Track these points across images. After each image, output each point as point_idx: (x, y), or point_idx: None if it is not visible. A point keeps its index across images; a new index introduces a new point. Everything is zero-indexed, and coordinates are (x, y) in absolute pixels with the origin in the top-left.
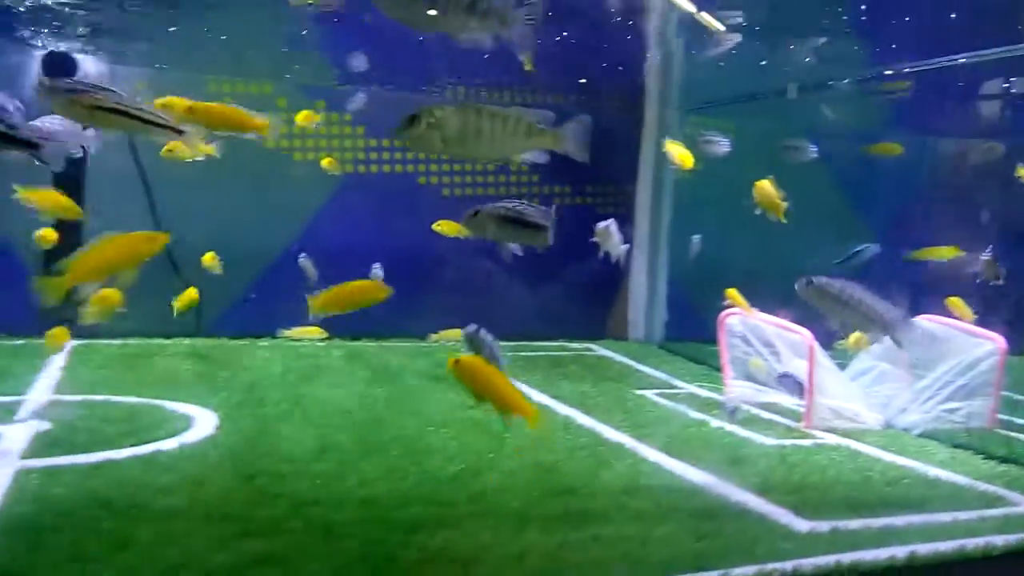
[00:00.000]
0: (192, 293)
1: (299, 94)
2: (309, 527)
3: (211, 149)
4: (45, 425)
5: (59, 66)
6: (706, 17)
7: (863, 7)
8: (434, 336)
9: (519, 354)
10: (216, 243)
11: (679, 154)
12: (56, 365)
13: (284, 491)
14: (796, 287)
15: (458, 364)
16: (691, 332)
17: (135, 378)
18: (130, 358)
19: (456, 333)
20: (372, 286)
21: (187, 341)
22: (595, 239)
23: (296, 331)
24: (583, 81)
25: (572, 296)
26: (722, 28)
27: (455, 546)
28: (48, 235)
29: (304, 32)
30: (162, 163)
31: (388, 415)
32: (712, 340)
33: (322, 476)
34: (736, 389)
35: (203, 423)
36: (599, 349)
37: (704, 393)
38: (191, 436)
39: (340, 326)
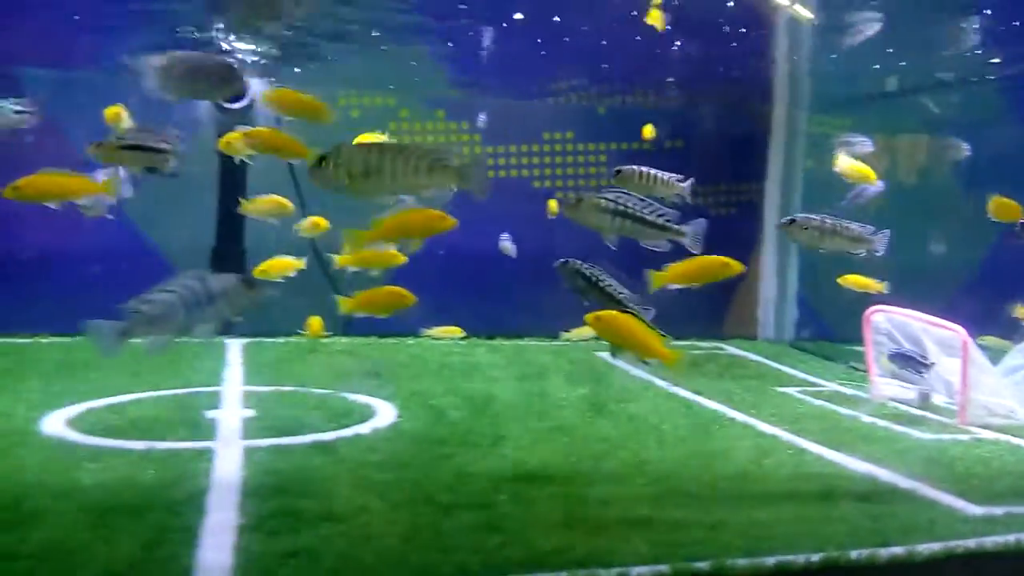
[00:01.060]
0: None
1: (420, 105)
2: (514, 500)
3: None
4: (250, 411)
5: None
6: (799, 10)
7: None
8: (566, 334)
9: None
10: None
11: (858, 169)
12: (236, 360)
13: (479, 470)
14: (777, 227)
15: (598, 319)
16: (822, 332)
17: (309, 372)
18: (297, 354)
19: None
20: (723, 262)
21: (343, 340)
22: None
23: (437, 330)
24: (709, 83)
25: (691, 295)
26: (814, 18)
27: (654, 519)
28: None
29: (424, 46)
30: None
31: (545, 407)
32: (844, 339)
33: (507, 458)
34: (883, 387)
35: (384, 412)
36: (730, 348)
37: (848, 391)
38: (379, 422)
39: (479, 325)
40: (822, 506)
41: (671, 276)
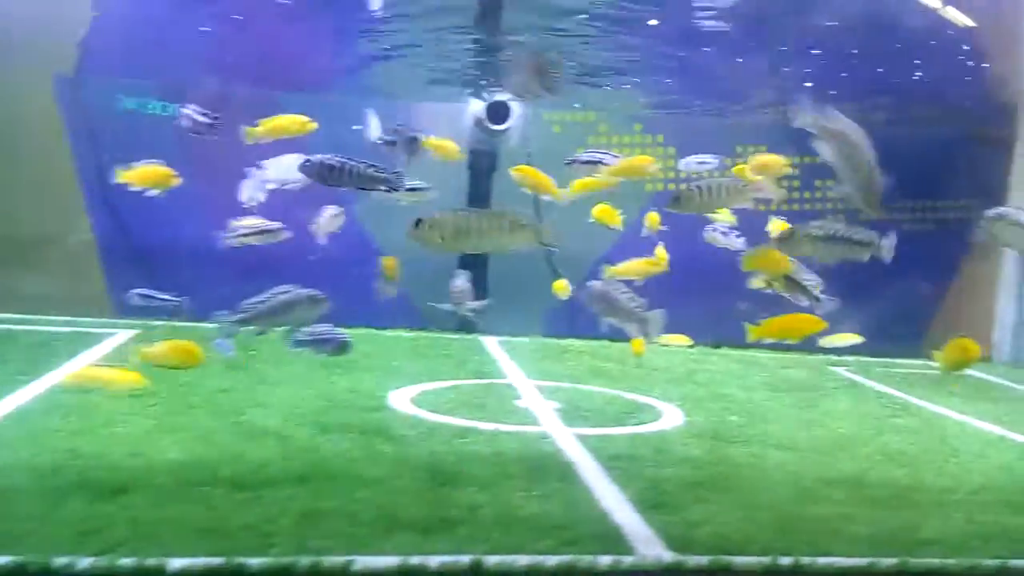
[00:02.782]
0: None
1: (618, 120)
2: (853, 498)
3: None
4: (556, 404)
5: (499, 113)
6: (953, 12)
7: None
8: (822, 341)
9: (888, 370)
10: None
11: None
12: (502, 356)
13: (798, 470)
14: (981, 222)
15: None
16: None
17: (572, 370)
18: (551, 352)
19: (849, 337)
20: None
21: (578, 342)
22: None
23: (667, 337)
24: (915, 98)
25: (892, 313)
26: (971, 23)
27: (999, 522)
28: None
29: (621, 62)
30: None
31: (815, 417)
32: None
33: (817, 462)
34: None
35: (669, 411)
36: (966, 370)
37: None
38: (671, 421)
39: (704, 334)
40: None
41: None
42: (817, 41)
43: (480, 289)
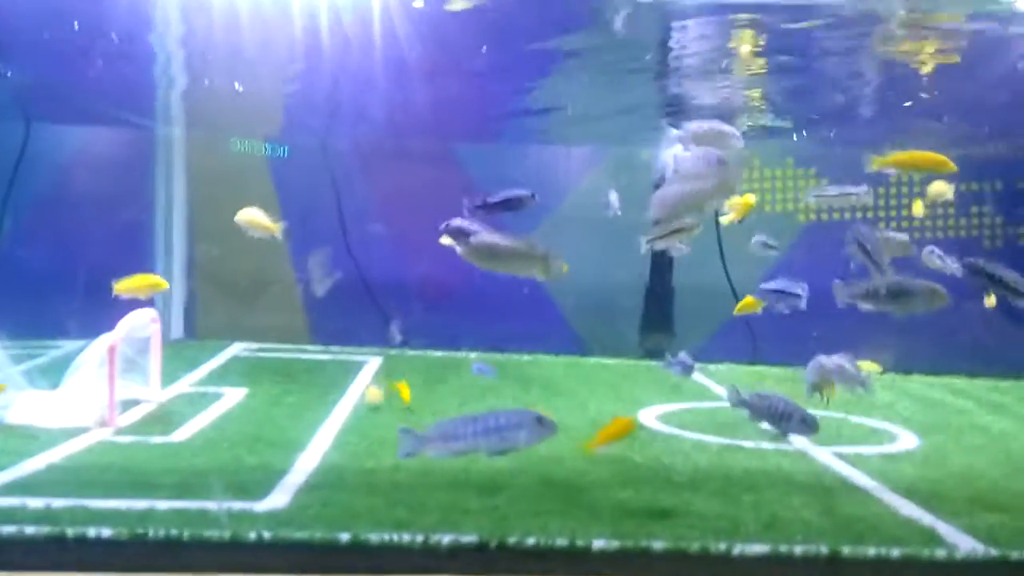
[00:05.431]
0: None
1: (770, 153)
2: None
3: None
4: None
5: None
6: None
7: None
8: None
9: None
10: (700, 283)
11: None
12: (708, 382)
13: None
14: None
15: None
16: None
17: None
18: (751, 379)
19: None
20: None
21: (764, 368)
22: None
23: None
24: None
25: None
26: None
27: None
28: None
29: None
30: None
31: None
32: None
33: None
34: None
35: (903, 434)
36: None
37: None
38: (912, 442)
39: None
40: None
41: None
42: None
43: (667, 315)
